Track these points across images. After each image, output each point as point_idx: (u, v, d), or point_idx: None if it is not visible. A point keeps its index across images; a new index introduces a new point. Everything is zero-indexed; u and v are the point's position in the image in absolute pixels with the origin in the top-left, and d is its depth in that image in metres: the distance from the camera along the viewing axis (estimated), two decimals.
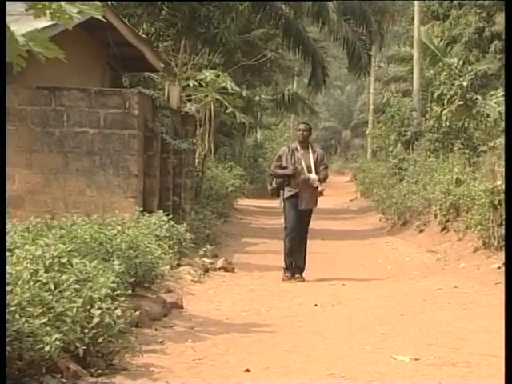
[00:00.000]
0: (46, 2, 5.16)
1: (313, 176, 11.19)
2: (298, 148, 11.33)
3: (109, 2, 12.32)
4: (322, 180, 11.35)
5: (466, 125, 20.75)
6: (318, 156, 11.35)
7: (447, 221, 15.75)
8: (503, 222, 11.03)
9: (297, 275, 11.25)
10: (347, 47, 25.48)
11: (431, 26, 27.03)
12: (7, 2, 5.51)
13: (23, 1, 5.53)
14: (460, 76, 20.13)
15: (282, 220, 11.64)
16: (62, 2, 5.13)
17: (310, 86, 27.39)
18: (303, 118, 41.37)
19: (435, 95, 21.22)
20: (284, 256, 11.40)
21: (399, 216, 19.54)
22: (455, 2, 26.12)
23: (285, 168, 11.27)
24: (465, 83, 19.37)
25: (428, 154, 21.26)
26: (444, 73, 20.60)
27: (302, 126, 11.65)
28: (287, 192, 11.26)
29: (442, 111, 21.04)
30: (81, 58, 12.88)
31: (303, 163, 11.20)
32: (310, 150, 11.33)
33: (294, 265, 11.32)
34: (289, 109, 35.40)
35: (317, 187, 11.26)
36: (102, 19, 5.47)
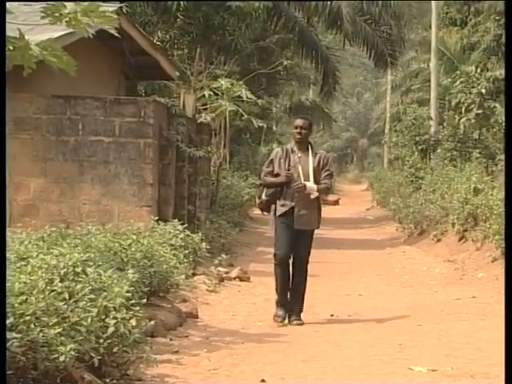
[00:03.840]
0: (63, 11, 5.14)
1: (309, 184, 8.62)
2: (295, 149, 8.74)
3: (124, 10, 12.29)
4: (322, 191, 8.75)
5: (484, 133, 20.65)
6: (321, 160, 8.74)
7: (465, 230, 15.64)
8: None
9: (293, 318, 8.69)
10: (367, 46, 25.15)
11: (448, 32, 26.90)
12: (21, 11, 5.50)
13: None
14: (478, 84, 20.04)
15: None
16: (78, 13, 5.11)
17: (322, 93, 27.37)
18: (318, 127, 41.35)
19: (453, 104, 21.14)
20: (275, 285, 9.05)
21: (416, 225, 19.44)
22: (473, 8, 26.01)
23: (278, 175, 8.73)
24: (483, 90, 19.26)
25: (445, 162, 21.16)
26: (461, 80, 20.51)
27: (299, 122, 8.84)
28: (279, 207, 8.77)
29: (459, 120, 20.94)
30: (96, 66, 12.90)
31: (300, 169, 8.65)
32: (310, 153, 8.75)
33: (290, 304, 8.84)
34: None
35: (317, 199, 8.75)
36: (115, 34, 5.40)
